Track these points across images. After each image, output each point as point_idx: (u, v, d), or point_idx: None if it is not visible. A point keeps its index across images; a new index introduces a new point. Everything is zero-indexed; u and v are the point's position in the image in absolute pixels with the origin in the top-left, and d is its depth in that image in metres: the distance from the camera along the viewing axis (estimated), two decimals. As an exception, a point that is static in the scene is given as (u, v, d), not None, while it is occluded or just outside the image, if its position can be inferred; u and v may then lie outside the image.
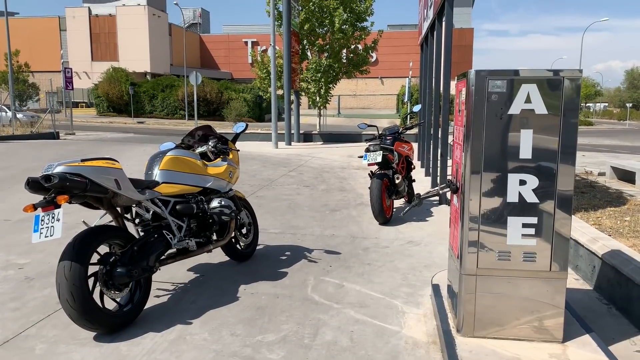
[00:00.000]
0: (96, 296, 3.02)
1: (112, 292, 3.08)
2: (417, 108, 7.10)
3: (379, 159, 5.76)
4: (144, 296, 3.30)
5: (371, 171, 6.17)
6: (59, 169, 2.81)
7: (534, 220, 2.70)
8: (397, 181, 6.00)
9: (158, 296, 3.66)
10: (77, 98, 45.57)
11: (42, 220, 2.79)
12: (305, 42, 18.00)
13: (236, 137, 4.43)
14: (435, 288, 3.56)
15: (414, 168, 6.90)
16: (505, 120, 2.66)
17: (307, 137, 17.99)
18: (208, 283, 3.97)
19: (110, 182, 3.01)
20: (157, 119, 37.31)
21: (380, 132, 6.54)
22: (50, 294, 3.66)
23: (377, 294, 3.75)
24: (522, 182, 2.68)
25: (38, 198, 2.79)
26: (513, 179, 2.69)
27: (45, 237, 2.77)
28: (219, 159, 4.14)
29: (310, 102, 19.28)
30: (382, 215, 5.74)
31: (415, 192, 3.05)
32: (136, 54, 46.37)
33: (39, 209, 2.78)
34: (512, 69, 2.63)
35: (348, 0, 17.44)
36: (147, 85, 39.79)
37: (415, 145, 9.04)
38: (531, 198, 2.69)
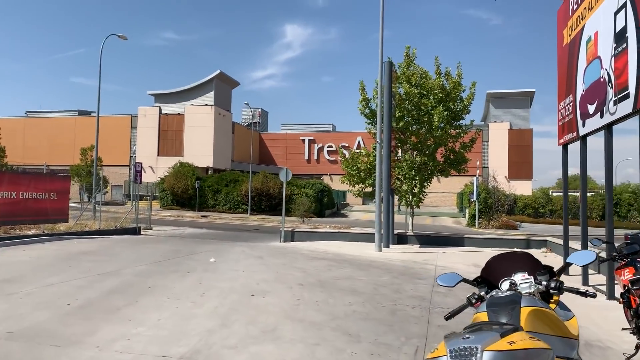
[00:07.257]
0: None
1: None
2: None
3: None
4: None
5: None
6: (488, 357, 1.61)
7: None
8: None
9: None
10: (141, 191, 46.53)
11: None
12: (396, 140, 17.31)
13: (565, 268, 3.02)
14: None
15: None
16: None
17: (400, 239, 16.63)
18: None
19: None
20: (219, 213, 37.09)
21: (617, 248, 5.17)
22: None
23: None
24: None
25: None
26: None
27: None
28: (554, 305, 2.80)
29: (402, 202, 18.15)
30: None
31: None
32: (200, 150, 47.71)
33: None
34: None
35: (446, 98, 16.88)
36: (211, 179, 40.29)
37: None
38: None
